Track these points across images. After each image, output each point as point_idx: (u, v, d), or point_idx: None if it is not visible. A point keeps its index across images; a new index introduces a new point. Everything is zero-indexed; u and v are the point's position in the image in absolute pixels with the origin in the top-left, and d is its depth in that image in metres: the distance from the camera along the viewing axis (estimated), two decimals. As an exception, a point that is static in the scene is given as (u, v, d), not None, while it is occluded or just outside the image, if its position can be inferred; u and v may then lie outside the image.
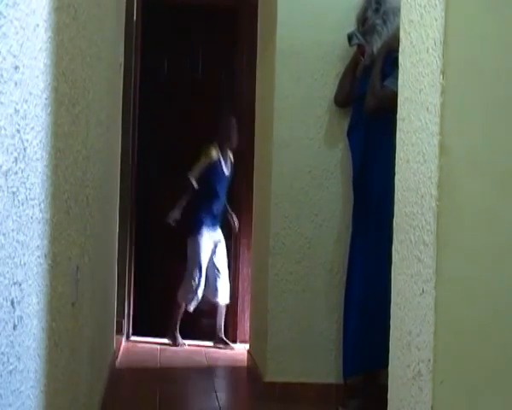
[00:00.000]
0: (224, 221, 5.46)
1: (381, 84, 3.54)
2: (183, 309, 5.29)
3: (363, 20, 3.68)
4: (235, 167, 5.48)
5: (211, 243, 5.33)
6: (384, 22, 3.61)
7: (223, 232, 5.43)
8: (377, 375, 3.58)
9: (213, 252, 5.35)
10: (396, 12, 3.57)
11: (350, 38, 3.70)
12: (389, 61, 3.53)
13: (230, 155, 5.39)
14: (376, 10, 3.63)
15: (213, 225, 5.34)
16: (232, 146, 5.35)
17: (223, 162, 5.33)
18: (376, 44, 3.63)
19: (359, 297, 3.62)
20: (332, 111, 3.88)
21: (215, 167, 5.29)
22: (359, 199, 3.69)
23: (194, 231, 5.29)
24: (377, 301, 3.41)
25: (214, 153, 5.27)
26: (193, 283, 5.22)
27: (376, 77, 3.56)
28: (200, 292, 5.24)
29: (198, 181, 5.26)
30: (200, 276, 5.24)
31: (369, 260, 3.59)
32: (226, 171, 5.35)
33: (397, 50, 3.67)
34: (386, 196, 3.46)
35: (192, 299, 5.24)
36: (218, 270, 5.32)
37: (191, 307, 5.28)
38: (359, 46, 3.72)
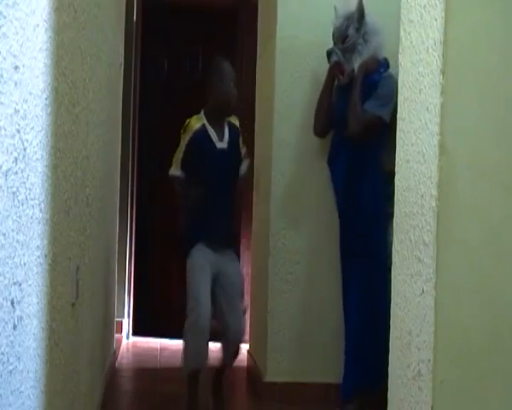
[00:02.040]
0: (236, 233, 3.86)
1: (362, 108, 3.51)
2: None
3: (343, 38, 3.59)
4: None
5: (208, 267, 3.49)
6: (365, 42, 3.57)
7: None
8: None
9: (215, 282, 3.51)
10: (376, 33, 3.56)
11: (329, 54, 3.62)
12: (368, 82, 3.52)
13: (233, 122, 3.68)
14: (357, 29, 3.57)
15: (212, 238, 3.53)
16: (226, 105, 3.59)
17: (211, 132, 3.59)
18: (356, 63, 3.57)
19: (356, 325, 3.60)
20: (332, 111, 3.88)
21: (199, 141, 3.57)
22: (346, 226, 3.67)
23: (186, 252, 3.56)
24: (374, 329, 3.46)
25: (194, 122, 3.62)
26: (186, 325, 3.42)
27: (356, 101, 3.50)
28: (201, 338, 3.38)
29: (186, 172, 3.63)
30: (199, 316, 3.36)
31: (362, 291, 3.56)
32: (219, 142, 3.58)
33: (374, 71, 3.69)
34: (376, 222, 3.48)
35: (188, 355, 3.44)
36: (223, 305, 3.51)
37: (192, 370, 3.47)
38: (336, 63, 3.62)
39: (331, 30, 3.70)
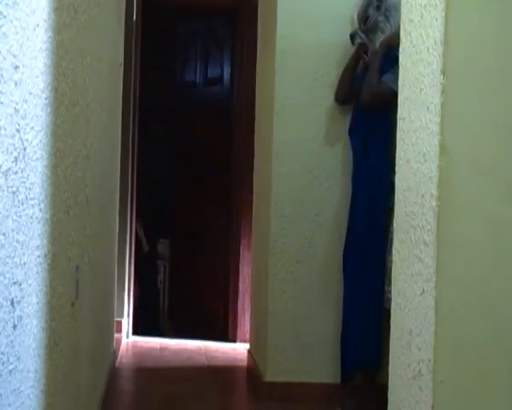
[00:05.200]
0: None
1: (379, 80, 3.53)
2: None
3: (364, 19, 3.67)
4: (233, 169, 5.47)
5: None
6: (387, 19, 3.61)
7: None
8: (375, 375, 3.59)
9: None
10: (398, 7, 3.58)
11: (352, 37, 3.70)
12: (389, 57, 3.53)
13: None
14: (378, 8, 3.62)
15: None
16: None
17: None
18: (380, 42, 3.63)
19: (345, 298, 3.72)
20: (332, 111, 3.87)
21: None
22: (355, 196, 3.71)
23: None
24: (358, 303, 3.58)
25: None
26: None
27: (374, 71, 3.56)
28: None
29: None
30: None
31: (360, 256, 3.64)
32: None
33: (397, 48, 3.66)
34: (379, 194, 3.51)
35: None
36: None
37: None
38: (362, 44, 3.72)
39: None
